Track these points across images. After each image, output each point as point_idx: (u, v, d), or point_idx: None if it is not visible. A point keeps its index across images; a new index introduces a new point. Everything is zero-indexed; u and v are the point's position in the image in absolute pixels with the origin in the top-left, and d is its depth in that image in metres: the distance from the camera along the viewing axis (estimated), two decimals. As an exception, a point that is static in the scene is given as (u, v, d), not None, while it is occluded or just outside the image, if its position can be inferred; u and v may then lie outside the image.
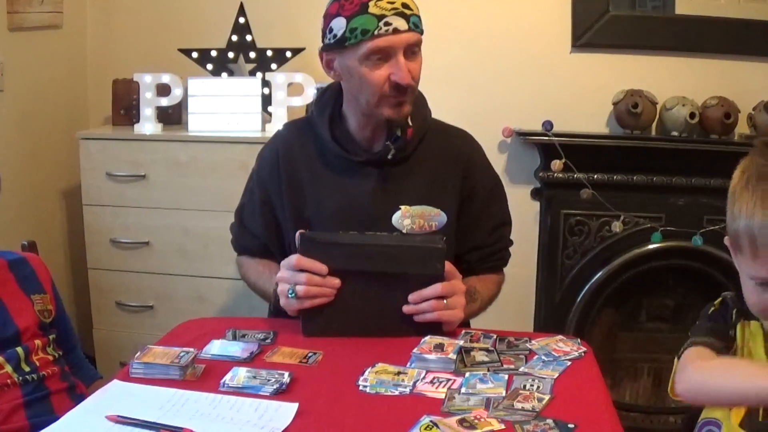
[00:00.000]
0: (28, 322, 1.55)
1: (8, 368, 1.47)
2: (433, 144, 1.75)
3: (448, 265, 1.55)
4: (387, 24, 1.55)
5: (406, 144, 1.70)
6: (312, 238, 1.54)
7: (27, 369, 1.50)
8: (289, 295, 1.53)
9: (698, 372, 1.19)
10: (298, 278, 1.52)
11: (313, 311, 1.53)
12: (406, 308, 1.52)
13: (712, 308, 1.32)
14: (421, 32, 1.62)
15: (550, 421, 1.20)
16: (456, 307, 1.54)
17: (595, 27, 2.80)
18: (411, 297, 1.52)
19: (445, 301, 1.52)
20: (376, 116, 1.66)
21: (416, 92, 1.67)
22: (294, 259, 1.53)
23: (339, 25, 1.59)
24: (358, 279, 1.52)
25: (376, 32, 1.55)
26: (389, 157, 1.68)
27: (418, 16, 1.61)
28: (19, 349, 1.50)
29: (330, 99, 1.74)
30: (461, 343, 1.48)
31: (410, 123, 1.70)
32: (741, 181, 1.18)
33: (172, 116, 2.89)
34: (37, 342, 1.54)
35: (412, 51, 1.61)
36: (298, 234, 1.53)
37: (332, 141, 1.71)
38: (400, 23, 1.56)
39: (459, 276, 1.58)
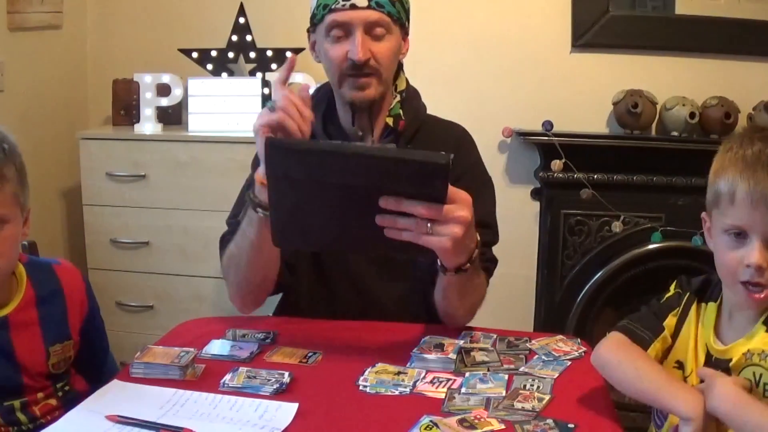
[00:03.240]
0: (36, 377, 1.40)
1: (2, 420, 1.35)
2: (425, 138, 1.70)
3: (457, 192, 1.32)
4: None
5: (397, 138, 1.66)
6: (282, 145, 1.31)
7: (23, 419, 1.37)
8: (269, 106, 1.44)
9: (605, 354, 1.32)
10: (276, 96, 1.45)
11: (286, 221, 1.35)
12: (379, 218, 1.29)
13: (667, 295, 1.37)
14: (390, 14, 1.58)
15: (550, 421, 1.20)
16: (444, 235, 1.31)
17: (595, 27, 2.80)
18: (386, 203, 1.28)
19: (428, 224, 1.30)
20: (343, 99, 1.63)
21: (384, 76, 1.61)
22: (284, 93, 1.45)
23: (313, 3, 1.62)
24: (337, 191, 1.29)
25: (333, 6, 1.56)
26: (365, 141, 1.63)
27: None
28: (17, 402, 1.37)
29: (324, 96, 1.72)
30: (461, 343, 1.48)
31: (402, 116, 1.67)
32: (723, 149, 1.25)
33: (172, 116, 2.89)
34: (40, 395, 1.41)
35: (375, 32, 1.58)
36: (265, 138, 1.32)
37: (325, 137, 1.68)
38: (360, 0, 1.56)
39: (466, 204, 1.33)
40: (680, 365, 1.33)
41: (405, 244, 1.31)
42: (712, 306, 1.31)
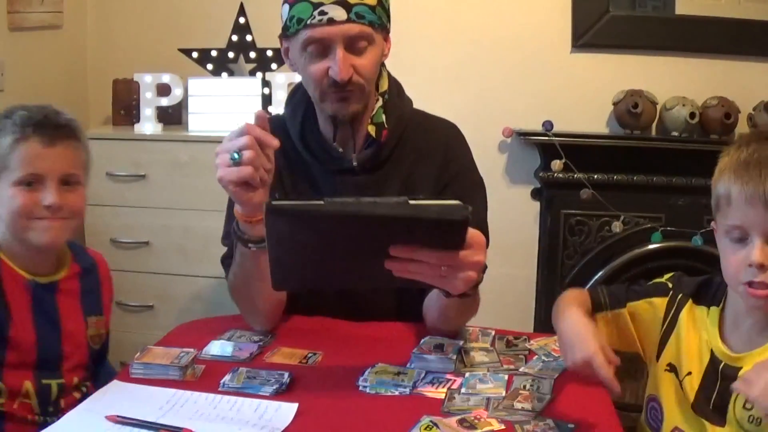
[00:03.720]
0: (76, 349, 1.46)
1: (34, 402, 1.38)
2: (411, 141, 1.61)
3: (472, 236, 1.24)
4: (322, 13, 1.42)
5: (379, 148, 1.57)
6: (285, 211, 1.18)
7: (51, 410, 1.39)
8: (232, 158, 1.32)
9: (558, 299, 1.43)
10: (240, 142, 1.32)
11: (286, 268, 1.26)
12: (389, 263, 1.21)
13: (656, 281, 1.41)
14: (371, 23, 1.46)
15: (550, 421, 1.20)
16: (458, 279, 1.25)
17: (595, 27, 2.80)
18: (397, 252, 1.20)
19: (443, 269, 1.24)
20: (324, 112, 1.54)
21: (367, 89, 1.52)
22: (244, 125, 1.33)
23: (284, 11, 1.50)
24: (345, 244, 1.22)
25: (309, 21, 1.43)
26: (354, 163, 1.56)
27: (369, 6, 1.45)
28: (55, 385, 1.41)
29: (302, 99, 1.62)
30: (461, 343, 1.48)
31: (385, 124, 1.57)
32: (722, 155, 1.29)
33: (172, 116, 2.89)
34: (75, 379, 1.45)
35: (357, 46, 1.46)
36: (265, 205, 1.18)
37: (304, 149, 1.60)
38: (338, 13, 1.42)
39: (481, 247, 1.27)
40: (672, 368, 1.33)
41: (412, 280, 1.26)
42: (714, 311, 1.31)
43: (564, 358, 1.28)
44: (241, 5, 2.86)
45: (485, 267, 1.35)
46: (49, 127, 1.39)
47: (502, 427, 1.18)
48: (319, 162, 1.60)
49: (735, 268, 1.22)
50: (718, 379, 1.25)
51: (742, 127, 2.71)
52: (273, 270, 1.26)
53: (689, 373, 1.29)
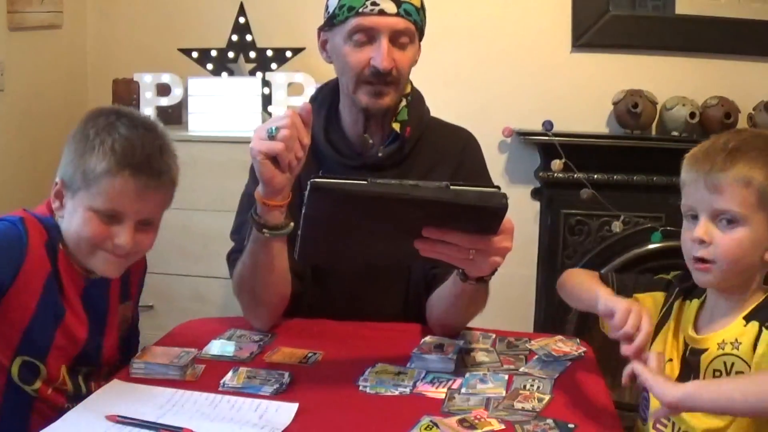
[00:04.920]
0: (112, 339, 1.45)
1: (69, 388, 1.37)
2: (428, 144, 1.68)
3: (505, 222, 1.28)
4: (374, 4, 1.51)
5: (404, 143, 1.64)
6: (329, 189, 1.19)
7: (84, 393, 1.36)
8: (269, 132, 1.36)
9: (564, 274, 1.59)
10: (281, 121, 1.36)
11: (315, 242, 1.29)
12: (419, 243, 1.25)
13: (662, 276, 1.48)
14: (415, 23, 1.55)
15: (550, 421, 1.20)
16: (486, 263, 1.30)
17: (595, 27, 2.80)
18: (429, 233, 1.24)
19: (471, 252, 1.27)
20: (356, 104, 1.59)
21: (401, 85, 1.60)
22: (289, 110, 1.39)
23: (333, 2, 1.57)
24: (380, 224, 1.24)
25: (361, 9, 1.51)
26: (379, 155, 1.62)
27: (415, 7, 1.55)
28: (86, 372, 1.39)
29: (327, 96, 1.69)
30: (461, 343, 1.48)
31: (408, 122, 1.64)
32: None
33: (172, 116, 2.88)
34: (105, 369, 1.43)
35: (400, 40, 1.54)
36: (310, 182, 1.19)
37: (326, 143, 1.64)
38: (388, 6, 1.51)
39: (511, 233, 1.31)
40: None
41: (435, 260, 1.29)
42: (695, 302, 1.37)
43: (604, 305, 1.30)
44: (241, 5, 2.86)
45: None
46: (148, 172, 1.32)
47: (502, 427, 1.18)
48: (340, 155, 1.64)
49: (686, 246, 1.32)
50: (685, 365, 1.31)
51: (742, 127, 2.72)
52: (301, 243, 1.28)
53: (670, 360, 1.34)
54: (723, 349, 1.26)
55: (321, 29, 1.63)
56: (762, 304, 1.28)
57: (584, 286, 1.48)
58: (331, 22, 1.57)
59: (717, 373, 1.25)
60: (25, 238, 1.29)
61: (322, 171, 1.37)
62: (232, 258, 1.61)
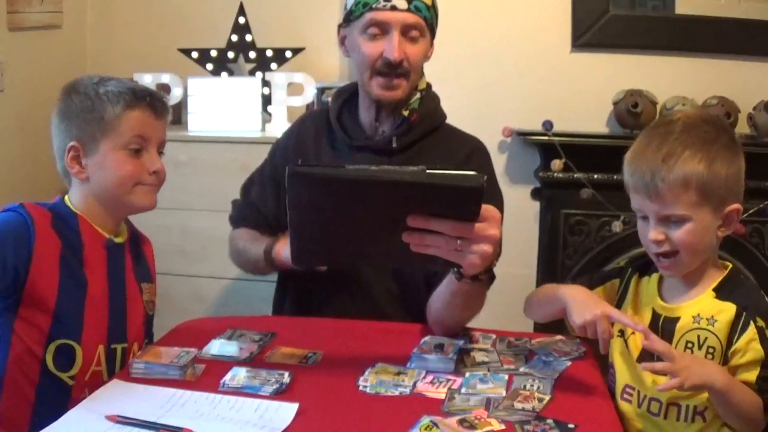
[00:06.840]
0: (135, 313, 1.50)
1: (104, 370, 1.40)
2: (439, 143, 1.75)
3: (488, 209, 1.28)
4: (387, 0, 1.62)
5: (410, 127, 1.70)
6: (307, 175, 1.22)
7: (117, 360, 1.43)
8: None
9: (537, 292, 1.63)
10: None
11: (306, 243, 1.31)
12: (406, 236, 1.26)
13: (615, 265, 1.57)
14: (425, 19, 1.66)
15: (550, 421, 1.20)
16: (474, 253, 1.28)
17: (595, 27, 2.80)
18: (414, 222, 1.25)
19: (458, 242, 1.27)
20: (369, 95, 1.69)
21: (413, 77, 1.68)
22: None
23: (351, 0, 1.68)
24: (363, 212, 1.25)
25: (374, 5, 1.63)
26: (384, 133, 1.70)
27: (426, 4, 1.66)
28: (120, 350, 1.44)
29: (349, 87, 1.80)
30: (461, 343, 1.48)
31: (417, 110, 1.71)
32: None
33: (172, 116, 2.88)
34: (135, 347, 1.48)
35: (411, 34, 1.65)
36: (287, 168, 1.22)
37: (336, 122, 1.74)
38: (400, 2, 1.62)
39: (496, 221, 1.30)
40: (621, 333, 1.42)
41: (428, 257, 1.28)
42: (655, 276, 1.43)
43: (571, 317, 1.37)
44: (241, 5, 2.87)
45: (498, 254, 1.39)
46: (157, 101, 1.50)
47: (502, 427, 1.18)
48: (348, 137, 1.74)
49: (645, 243, 1.39)
50: (660, 333, 1.35)
51: (742, 127, 2.72)
52: (293, 245, 1.31)
53: (633, 332, 1.38)
54: (699, 323, 1.32)
55: (340, 26, 1.74)
56: (731, 280, 1.36)
57: (544, 291, 1.56)
58: (349, 18, 1.69)
59: (690, 344, 1.32)
60: (30, 221, 1.37)
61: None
62: (237, 204, 1.87)
